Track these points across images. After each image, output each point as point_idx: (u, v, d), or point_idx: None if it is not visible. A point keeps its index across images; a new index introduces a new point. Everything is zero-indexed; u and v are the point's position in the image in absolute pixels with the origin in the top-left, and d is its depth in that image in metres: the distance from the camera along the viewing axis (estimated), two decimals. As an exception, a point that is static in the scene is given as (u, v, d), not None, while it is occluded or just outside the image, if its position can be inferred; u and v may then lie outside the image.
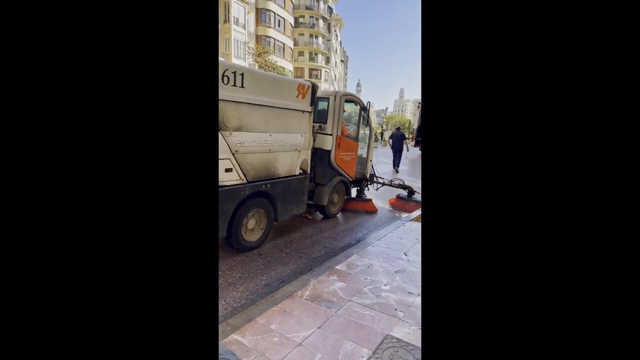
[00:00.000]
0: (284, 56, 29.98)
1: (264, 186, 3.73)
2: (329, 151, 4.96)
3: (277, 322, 2.37)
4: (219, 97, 3.03)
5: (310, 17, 38.21)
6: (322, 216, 5.41)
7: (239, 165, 3.38)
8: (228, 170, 3.27)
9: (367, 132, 5.95)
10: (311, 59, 39.42)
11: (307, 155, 4.48)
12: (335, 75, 48.45)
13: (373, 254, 3.71)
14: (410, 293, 2.85)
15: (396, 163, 11.34)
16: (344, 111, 5.17)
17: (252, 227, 3.84)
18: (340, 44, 53.54)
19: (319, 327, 2.33)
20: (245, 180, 3.47)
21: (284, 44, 30.28)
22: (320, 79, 40.17)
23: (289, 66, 30.51)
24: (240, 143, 3.34)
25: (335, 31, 45.06)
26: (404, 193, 6.48)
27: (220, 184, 3.18)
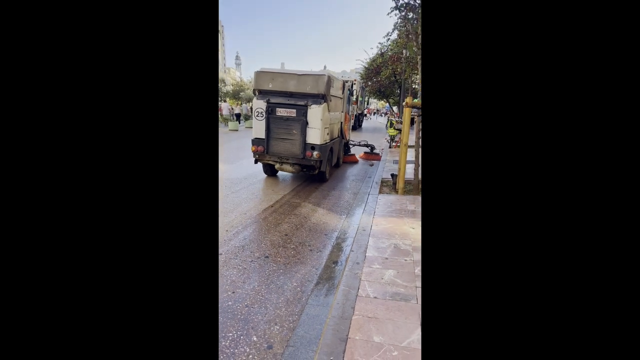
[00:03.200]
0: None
1: (332, 143, 6.57)
2: (342, 122, 7.51)
3: (375, 332, 2.08)
4: (335, 95, 6.41)
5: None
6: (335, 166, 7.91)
7: (330, 131, 6.37)
8: (328, 133, 6.22)
9: (350, 108, 8.77)
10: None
11: (340, 125, 7.42)
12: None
13: (385, 234, 3.66)
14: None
15: None
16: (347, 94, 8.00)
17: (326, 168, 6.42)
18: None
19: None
20: (329, 139, 6.42)
21: None
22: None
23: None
24: (330, 119, 6.25)
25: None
26: (367, 149, 9.36)
27: (329, 140, 6.33)
